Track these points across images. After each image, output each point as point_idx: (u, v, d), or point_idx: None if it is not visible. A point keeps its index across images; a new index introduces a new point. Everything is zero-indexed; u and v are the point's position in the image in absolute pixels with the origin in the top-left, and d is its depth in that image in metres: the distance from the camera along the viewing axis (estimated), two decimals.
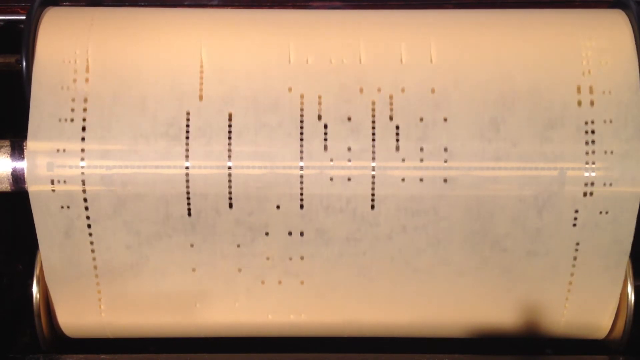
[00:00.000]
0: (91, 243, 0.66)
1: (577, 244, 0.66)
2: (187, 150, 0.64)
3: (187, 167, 0.64)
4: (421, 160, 0.65)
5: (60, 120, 0.64)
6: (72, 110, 0.65)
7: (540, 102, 0.65)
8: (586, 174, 0.65)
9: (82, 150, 0.64)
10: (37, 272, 0.69)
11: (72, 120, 0.64)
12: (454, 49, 0.66)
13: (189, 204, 0.65)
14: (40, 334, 0.70)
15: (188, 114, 0.64)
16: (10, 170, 0.66)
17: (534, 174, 0.65)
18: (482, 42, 0.66)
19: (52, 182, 0.64)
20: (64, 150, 0.64)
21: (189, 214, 0.65)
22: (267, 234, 0.66)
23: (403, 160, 0.65)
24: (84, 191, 0.64)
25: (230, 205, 0.65)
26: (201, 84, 0.65)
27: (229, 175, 0.65)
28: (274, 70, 0.65)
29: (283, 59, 0.65)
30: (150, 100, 0.65)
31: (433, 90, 0.65)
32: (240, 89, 0.65)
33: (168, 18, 0.68)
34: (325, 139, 0.65)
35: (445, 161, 0.65)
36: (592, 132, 0.64)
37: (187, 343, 0.73)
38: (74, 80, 0.65)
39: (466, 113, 0.65)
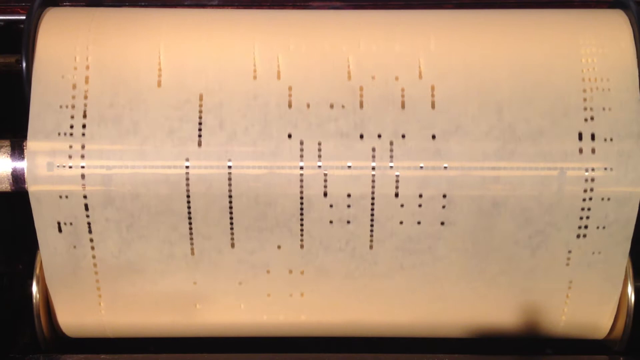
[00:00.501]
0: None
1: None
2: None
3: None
4: (419, 205, 0.65)
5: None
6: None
7: (541, 148, 0.64)
8: (580, 221, 0.65)
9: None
10: (37, 272, 0.69)
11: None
12: (456, 92, 0.64)
13: (191, 239, 0.66)
14: (40, 334, 0.70)
15: (187, 160, 0.64)
16: (10, 170, 0.66)
17: (528, 217, 0.65)
18: (483, 83, 0.65)
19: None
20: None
21: (192, 253, 0.67)
22: (268, 272, 0.67)
23: (402, 205, 0.65)
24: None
25: (233, 245, 0.66)
26: (200, 129, 0.64)
27: (231, 216, 0.65)
28: (274, 115, 0.64)
29: (283, 103, 0.64)
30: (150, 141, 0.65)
31: (434, 137, 0.64)
32: (240, 134, 0.64)
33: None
34: (325, 186, 0.65)
35: (444, 207, 0.65)
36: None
37: (187, 343, 0.73)
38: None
39: (466, 161, 0.64)
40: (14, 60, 0.69)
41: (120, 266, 0.67)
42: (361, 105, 0.64)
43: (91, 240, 0.66)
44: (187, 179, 0.64)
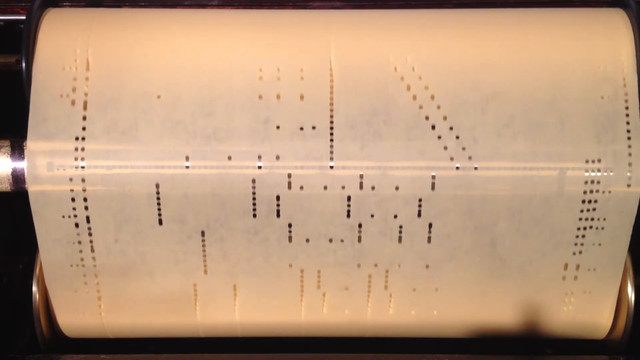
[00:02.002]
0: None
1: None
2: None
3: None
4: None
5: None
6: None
7: (527, 276, 0.67)
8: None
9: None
10: (37, 272, 0.69)
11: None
12: (450, 228, 0.66)
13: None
14: (40, 334, 0.70)
15: (195, 285, 0.68)
16: (10, 170, 0.66)
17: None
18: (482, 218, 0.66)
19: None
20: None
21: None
22: None
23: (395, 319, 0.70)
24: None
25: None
26: (204, 261, 0.67)
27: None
28: (275, 249, 0.66)
29: (284, 238, 0.66)
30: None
31: (428, 266, 0.67)
32: (243, 265, 0.67)
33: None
34: (324, 303, 0.69)
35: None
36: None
37: (187, 343, 0.73)
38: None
39: (457, 284, 0.68)
40: (14, 60, 0.69)
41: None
42: (360, 239, 0.66)
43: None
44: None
